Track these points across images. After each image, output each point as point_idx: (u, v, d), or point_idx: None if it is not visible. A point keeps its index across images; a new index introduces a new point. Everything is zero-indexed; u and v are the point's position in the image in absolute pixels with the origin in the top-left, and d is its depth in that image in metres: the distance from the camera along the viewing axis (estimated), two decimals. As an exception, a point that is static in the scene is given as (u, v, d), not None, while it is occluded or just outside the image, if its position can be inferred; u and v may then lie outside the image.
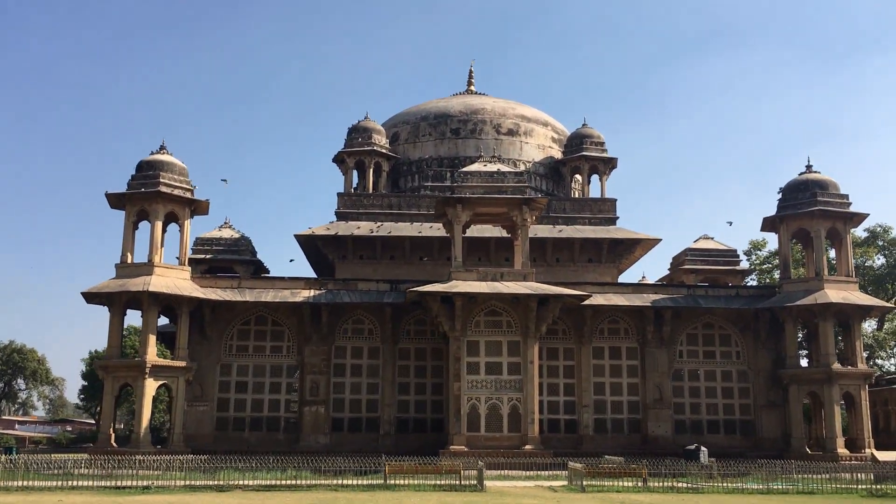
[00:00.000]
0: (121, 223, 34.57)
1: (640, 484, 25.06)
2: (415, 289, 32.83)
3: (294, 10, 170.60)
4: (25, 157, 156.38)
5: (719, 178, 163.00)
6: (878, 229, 56.22)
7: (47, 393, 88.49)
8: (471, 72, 51.23)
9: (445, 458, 29.10)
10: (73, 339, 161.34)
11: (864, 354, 39.89)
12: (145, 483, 23.81)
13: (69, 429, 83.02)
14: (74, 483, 23.75)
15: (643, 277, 49.79)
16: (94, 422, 77.26)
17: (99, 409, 66.91)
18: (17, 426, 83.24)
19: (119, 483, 23.95)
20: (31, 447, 64.34)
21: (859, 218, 36.88)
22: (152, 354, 33.26)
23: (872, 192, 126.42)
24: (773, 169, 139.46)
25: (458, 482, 24.66)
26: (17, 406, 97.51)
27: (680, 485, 25.35)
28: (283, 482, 24.47)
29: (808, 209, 35.80)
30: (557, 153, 45.96)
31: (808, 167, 37.59)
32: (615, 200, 43.29)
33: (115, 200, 34.69)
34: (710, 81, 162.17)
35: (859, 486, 25.23)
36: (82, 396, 76.93)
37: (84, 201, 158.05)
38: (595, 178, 44.81)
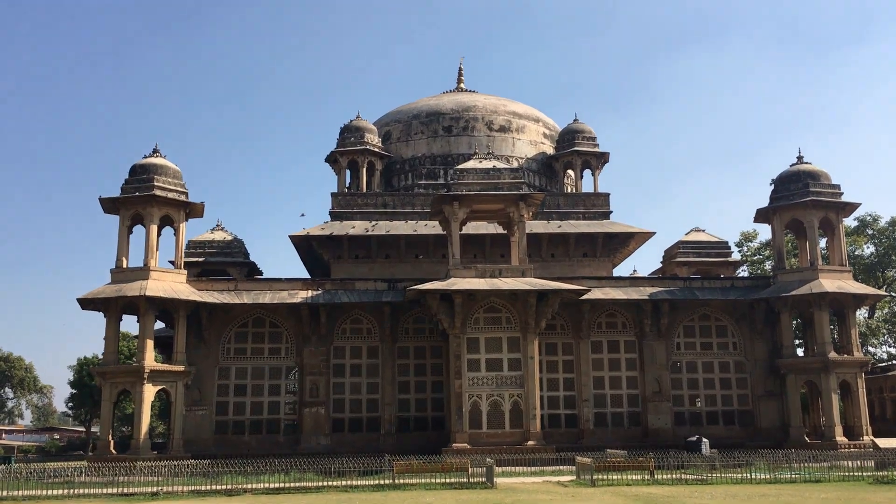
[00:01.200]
0: (110, 229, 34.45)
1: (647, 477, 25.11)
2: (414, 287, 32.71)
3: (284, 10, 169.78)
4: (13, 162, 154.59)
5: (709, 169, 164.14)
6: (868, 218, 56.63)
7: (35, 401, 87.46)
8: (460, 69, 51.17)
9: (449, 456, 29.04)
10: (59, 346, 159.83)
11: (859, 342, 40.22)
12: (153, 490, 23.55)
13: (57, 437, 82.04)
14: (80, 491, 23.46)
15: (634, 271, 50.08)
16: (83, 429, 76.44)
17: (88, 416, 66.30)
18: (3, 435, 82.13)
19: (125, 490, 23.69)
20: (21, 456, 63.49)
21: (851, 207, 37.12)
22: (150, 359, 32.97)
23: (861, 181, 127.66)
24: (761, 160, 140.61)
25: (466, 480, 24.60)
26: (3, 415, 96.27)
27: (687, 476, 25.43)
28: (291, 485, 24.31)
29: (801, 200, 36.03)
30: (549, 149, 46.01)
31: (800, 158, 37.84)
32: (608, 195, 43.33)
33: (109, 205, 34.31)
34: (698, 74, 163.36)
35: (864, 474, 25.41)
36: (70, 404, 76.09)
37: (68, 207, 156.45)
38: (587, 172, 44.86)
